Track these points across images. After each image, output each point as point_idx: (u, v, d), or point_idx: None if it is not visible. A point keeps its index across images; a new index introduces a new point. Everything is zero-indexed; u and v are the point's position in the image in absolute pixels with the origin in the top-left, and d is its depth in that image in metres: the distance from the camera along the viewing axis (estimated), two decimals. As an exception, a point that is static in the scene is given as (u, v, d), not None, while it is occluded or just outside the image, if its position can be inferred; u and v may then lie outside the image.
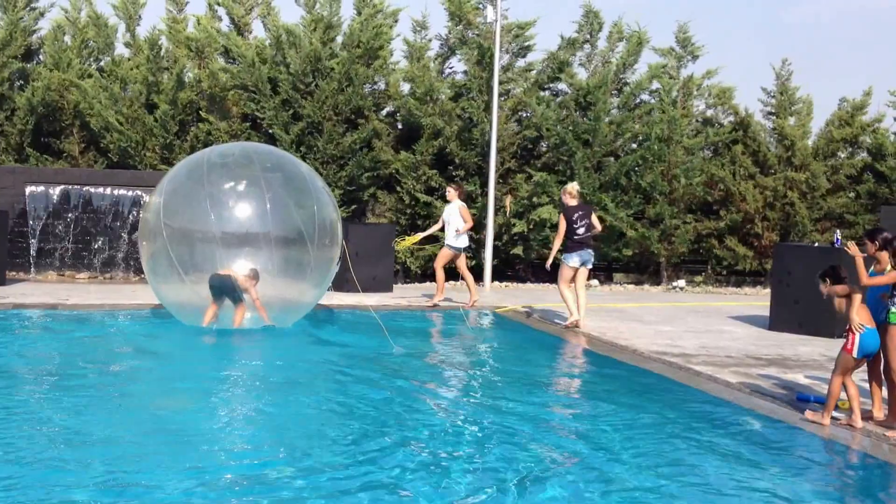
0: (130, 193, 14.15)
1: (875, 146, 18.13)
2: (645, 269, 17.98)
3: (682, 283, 16.74)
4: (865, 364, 6.54)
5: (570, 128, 16.55)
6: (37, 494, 4.47)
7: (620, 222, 16.34)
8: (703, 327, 11.15)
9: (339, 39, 16.81)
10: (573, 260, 10.46)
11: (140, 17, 17.35)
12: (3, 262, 12.79)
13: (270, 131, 16.17)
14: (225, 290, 9.31)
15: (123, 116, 15.71)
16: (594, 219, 10.69)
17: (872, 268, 6.35)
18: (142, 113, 15.83)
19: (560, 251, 10.63)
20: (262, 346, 9.25)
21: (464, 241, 12.20)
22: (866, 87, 18.67)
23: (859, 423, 6.32)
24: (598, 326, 10.75)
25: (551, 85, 17.81)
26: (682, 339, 10.04)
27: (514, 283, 16.44)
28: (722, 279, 18.01)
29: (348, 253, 10.79)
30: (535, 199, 16.41)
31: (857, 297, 6.26)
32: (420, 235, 12.79)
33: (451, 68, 17.94)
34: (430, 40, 17.75)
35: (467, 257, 16.22)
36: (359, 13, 17.23)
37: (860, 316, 6.23)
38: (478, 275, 15.65)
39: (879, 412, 6.54)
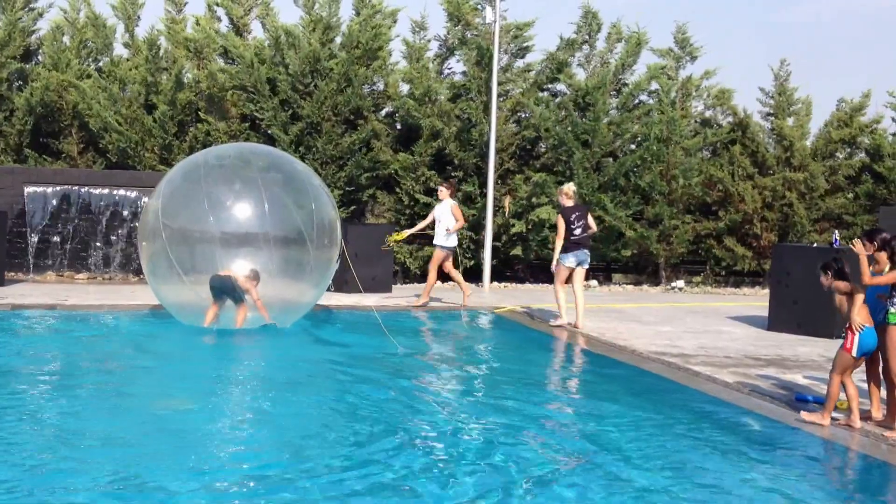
0: (129, 194, 14.15)
1: (873, 147, 18.15)
2: (644, 270, 17.99)
3: (680, 283, 16.75)
4: (864, 364, 6.57)
5: (569, 128, 16.57)
6: (40, 496, 4.45)
7: (619, 222, 16.35)
8: (702, 328, 11.16)
9: (338, 40, 16.80)
10: (569, 260, 10.54)
11: (139, 17, 17.34)
12: (2, 263, 12.78)
13: (269, 132, 16.17)
14: (226, 290, 9.33)
15: (122, 117, 15.70)
16: (590, 219, 10.75)
17: (871, 268, 6.36)
18: (140, 113, 15.82)
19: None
20: (263, 346, 9.26)
21: (453, 241, 12.20)
22: (866, 89, 18.80)
23: (858, 423, 6.33)
24: (597, 327, 10.77)
25: (550, 85, 17.82)
26: (681, 340, 10.06)
27: (513, 284, 16.45)
28: (721, 279, 18.03)
29: (347, 253, 10.80)
30: (533, 200, 16.43)
31: (860, 297, 6.28)
32: (408, 232, 12.78)
33: (449, 69, 17.96)
34: (428, 41, 17.78)
35: (466, 258, 16.30)
36: (357, 14, 17.24)
37: (860, 315, 6.25)
38: (477, 275, 15.67)
39: (878, 412, 6.56)
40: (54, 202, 13.92)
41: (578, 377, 8.63)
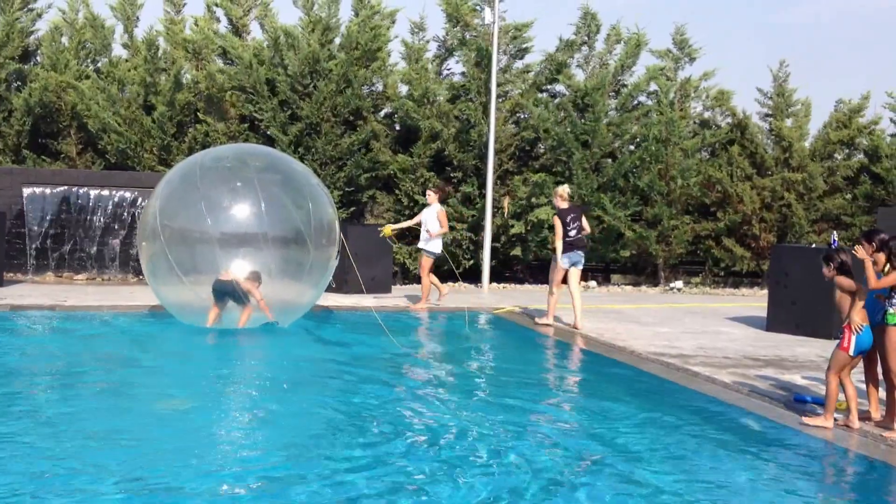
0: (128, 195, 14.15)
1: (871, 148, 18.19)
2: (642, 271, 18.01)
3: (679, 284, 16.77)
4: (862, 364, 6.58)
5: (569, 129, 16.58)
6: (43, 498, 4.44)
7: (618, 223, 16.36)
8: (701, 328, 11.18)
9: (338, 41, 16.81)
10: (563, 261, 10.61)
11: (137, 18, 17.32)
12: (1, 264, 12.77)
13: (268, 132, 16.17)
14: (228, 293, 9.37)
15: (121, 118, 15.70)
16: (584, 221, 10.81)
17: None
18: (139, 114, 15.82)
19: (552, 251, 10.84)
20: (265, 346, 9.27)
21: (437, 247, 12.23)
22: (865, 90, 18.84)
23: (856, 423, 6.35)
24: (596, 327, 10.78)
25: (549, 86, 17.83)
26: (680, 340, 10.07)
27: (512, 284, 16.47)
28: (719, 280, 18.05)
29: (349, 254, 10.82)
30: (533, 201, 16.44)
31: (862, 299, 6.30)
32: (392, 227, 12.85)
33: (448, 70, 17.97)
34: (427, 42, 17.79)
35: (465, 258, 16.32)
36: (356, 14, 17.24)
37: (859, 315, 6.27)
38: (476, 276, 15.68)
39: (876, 412, 6.57)
40: (53, 203, 13.92)
41: (579, 377, 8.63)
